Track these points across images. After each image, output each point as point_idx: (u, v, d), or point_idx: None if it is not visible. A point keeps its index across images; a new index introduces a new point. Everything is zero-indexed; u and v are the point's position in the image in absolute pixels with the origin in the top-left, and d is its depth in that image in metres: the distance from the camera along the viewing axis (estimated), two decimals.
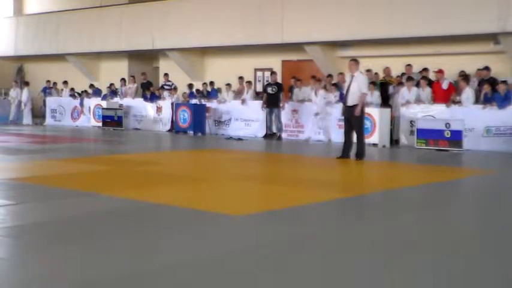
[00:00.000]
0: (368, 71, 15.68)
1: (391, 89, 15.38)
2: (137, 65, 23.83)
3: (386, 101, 15.11)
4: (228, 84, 18.27)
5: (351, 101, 10.87)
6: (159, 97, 19.40)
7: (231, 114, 17.52)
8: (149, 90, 19.73)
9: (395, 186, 8.29)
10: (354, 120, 10.88)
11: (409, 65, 15.75)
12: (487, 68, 14.35)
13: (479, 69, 14.59)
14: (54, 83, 23.19)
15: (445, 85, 14.24)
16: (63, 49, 24.39)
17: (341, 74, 16.52)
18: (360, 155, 10.82)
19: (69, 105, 21.63)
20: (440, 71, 14.47)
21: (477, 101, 13.70)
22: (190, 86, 19.60)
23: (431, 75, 15.02)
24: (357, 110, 10.77)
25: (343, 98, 11.25)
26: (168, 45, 21.11)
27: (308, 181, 8.47)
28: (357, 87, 10.81)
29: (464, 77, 14.24)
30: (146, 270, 3.91)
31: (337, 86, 15.70)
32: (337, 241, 4.92)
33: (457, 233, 5.35)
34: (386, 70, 15.90)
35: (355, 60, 11.23)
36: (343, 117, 11.53)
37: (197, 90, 18.95)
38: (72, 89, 22.15)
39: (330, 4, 17.48)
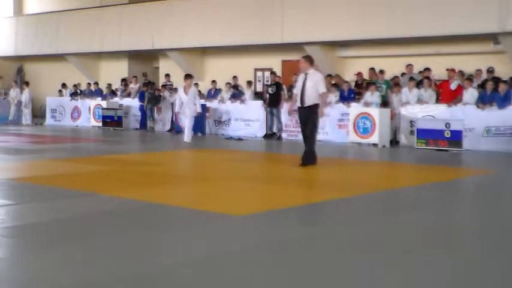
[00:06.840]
0: (381, 72, 15.65)
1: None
2: (137, 65, 23.81)
3: None
4: (229, 83, 18.29)
5: (308, 102, 9.61)
6: (158, 98, 19.31)
7: (231, 114, 17.51)
8: (148, 87, 19.67)
9: (396, 186, 8.30)
10: (310, 121, 9.65)
11: (410, 64, 15.75)
12: (490, 70, 14.34)
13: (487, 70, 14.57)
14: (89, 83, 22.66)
15: (453, 86, 14.07)
16: (63, 49, 24.39)
17: (337, 76, 16.51)
18: (311, 159, 9.68)
19: (69, 105, 21.62)
20: (452, 70, 14.31)
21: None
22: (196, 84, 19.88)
23: (443, 73, 14.88)
24: (321, 111, 9.67)
25: (300, 99, 9.73)
26: (168, 45, 21.10)
27: (308, 181, 8.47)
28: (314, 86, 9.58)
29: (468, 77, 14.19)
30: (146, 270, 3.91)
31: (338, 86, 15.71)
32: (337, 241, 4.92)
33: (457, 233, 5.35)
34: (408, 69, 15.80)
35: (308, 57, 10.04)
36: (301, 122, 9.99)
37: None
38: (76, 91, 22.05)
39: (330, 4, 17.47)
